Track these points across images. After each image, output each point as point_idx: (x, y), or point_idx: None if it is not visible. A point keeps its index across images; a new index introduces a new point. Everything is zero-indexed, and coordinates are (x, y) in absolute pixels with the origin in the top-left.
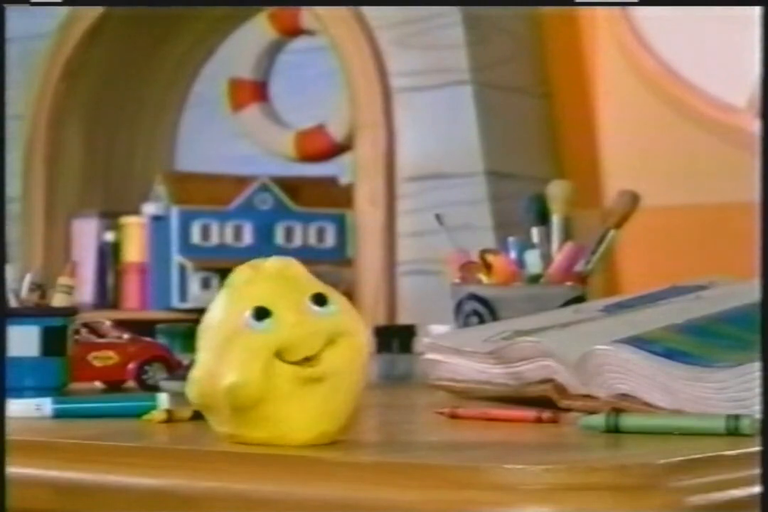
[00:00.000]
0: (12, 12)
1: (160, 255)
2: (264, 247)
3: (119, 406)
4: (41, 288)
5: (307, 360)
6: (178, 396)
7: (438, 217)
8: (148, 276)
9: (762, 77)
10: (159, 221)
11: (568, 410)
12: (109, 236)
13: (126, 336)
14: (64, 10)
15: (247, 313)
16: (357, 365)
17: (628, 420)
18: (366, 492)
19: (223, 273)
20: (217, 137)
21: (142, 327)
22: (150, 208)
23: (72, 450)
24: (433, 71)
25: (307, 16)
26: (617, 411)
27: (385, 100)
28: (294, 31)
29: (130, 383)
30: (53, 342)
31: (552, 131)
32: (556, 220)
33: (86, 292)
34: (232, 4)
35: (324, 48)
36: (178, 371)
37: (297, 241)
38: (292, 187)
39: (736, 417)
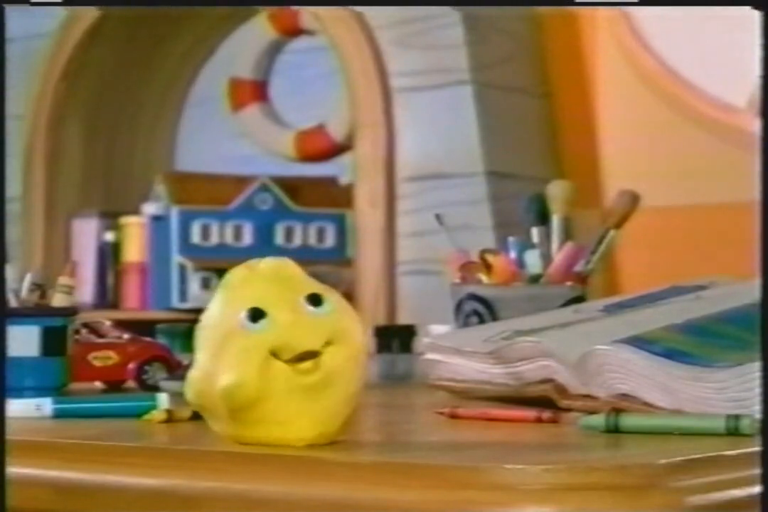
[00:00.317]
0: (12, 12)
1: (160, 255)
2: (264, 247)
3: (119, 406)
4: (41, 288)
5: (304, 360)
6: (178, 396)
7: (438, 217)
8: (148, 276)
9: (762, 77)
10: (159, 221)
11: (568, 410)
12: (109, 236)
13: (126, 336)
14: (64, 10)
15: (243, 314)
16: (354, 365)
17: (628, 420)
18: (366, 492)
19: (223, 273)
20: (217, 137)
21: (142, 327)
22: (150, 208)
23: (72, 450)
24: (433, 71)
25: (307, 16)
26: (617, 411)
27: (385, 100)
28: (294, 31)
29: (130, 383)
30: (53, 342)
31: (552, 131)
32: (556, 220)
33: (86, 292)
34: (232, 4)
35: (324, 48)
36: (178, 371)
37: (297, 241)
38: (292, 187)
39: (736, 417)
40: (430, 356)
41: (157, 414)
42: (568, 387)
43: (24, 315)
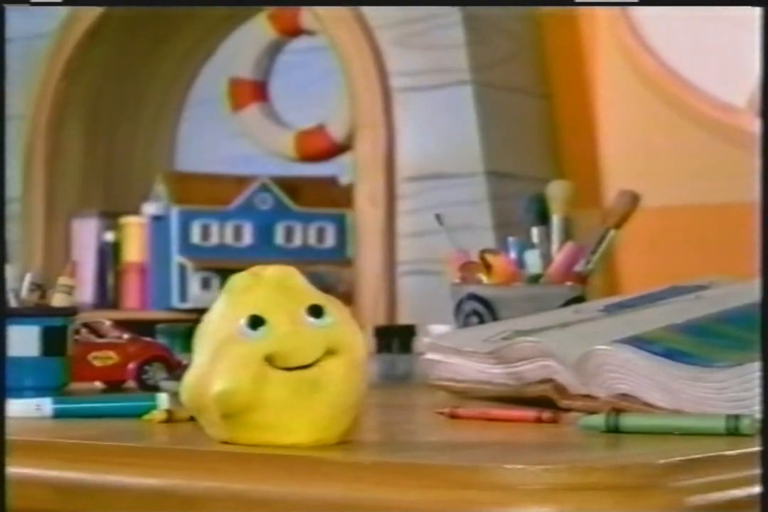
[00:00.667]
0: (12, 12)
1: (160, 255)
2: (264, 247)
3: (119, 406)
4: (41, 288)
5: (302, 370)
6: (178, 396)
7: (438, 217)
8: (148, 276)
9: (762, 77)
10: (159, 221)
11: (568, 410)
12: (109, 236)
13: (126, 336)
14: (64, 10)
15: (242, 321)
16: (354, 375)
17: (628, 420)
18: (366, 492)
19: (223, 273)
20: (217, 137)
21: (142, 327)
22: (150, 208)
23: (72, 450)
24: (433, 71)
25: (307, 16)
26: (617, 411)
27: (385, 100)
28: (294, 31)
29: (130, 383)
30: (53, 342)
31: (552, 131)
32: (556, 220)
33: (86, 292)
34: (232, 4)
35: (324, 48)
36: (178, 371)
37: (297, 241)
38: (292, 187)
39: (736, 417)
40: (430, 356)
41: (157, 415)
42: (568, 387)
43: (24, 315)
